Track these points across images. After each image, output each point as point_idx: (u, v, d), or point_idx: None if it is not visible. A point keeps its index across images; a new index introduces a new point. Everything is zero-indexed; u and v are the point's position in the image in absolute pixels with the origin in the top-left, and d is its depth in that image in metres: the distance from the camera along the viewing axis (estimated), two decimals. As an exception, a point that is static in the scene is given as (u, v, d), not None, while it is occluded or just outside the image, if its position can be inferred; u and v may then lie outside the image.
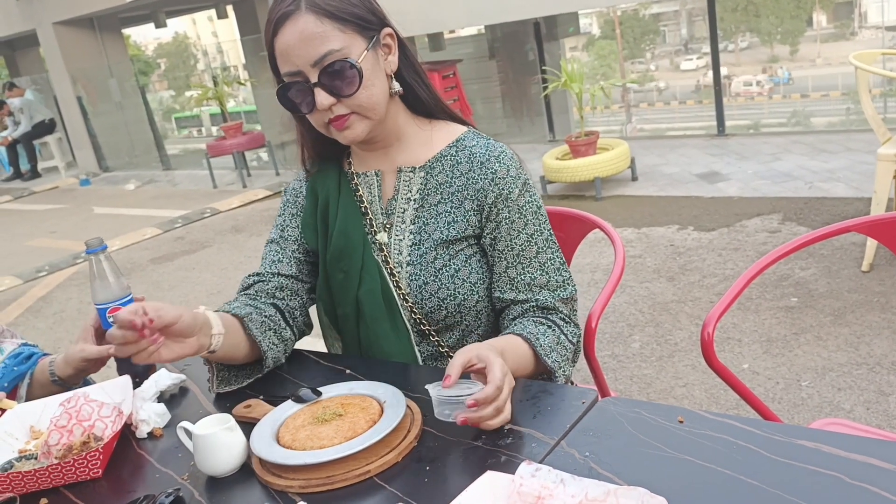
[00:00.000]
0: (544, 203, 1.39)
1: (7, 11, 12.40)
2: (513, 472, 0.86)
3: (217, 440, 1.02)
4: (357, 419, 1.04)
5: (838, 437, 0.92)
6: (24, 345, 1.48)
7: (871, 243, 3.53)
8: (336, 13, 1.20)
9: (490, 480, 0.87)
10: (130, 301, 1.36)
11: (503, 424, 1.03)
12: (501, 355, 1.09)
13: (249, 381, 1.32)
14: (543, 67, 7.35)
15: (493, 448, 1.00)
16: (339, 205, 1.40)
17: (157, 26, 13.49)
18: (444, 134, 1.38)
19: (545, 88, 6.12)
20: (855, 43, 22.42)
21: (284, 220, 1.47)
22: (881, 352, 2.86)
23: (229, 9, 13.82)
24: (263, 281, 1.42)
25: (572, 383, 1.41)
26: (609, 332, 3.41)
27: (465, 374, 1.06)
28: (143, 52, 29.34)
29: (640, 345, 3.27)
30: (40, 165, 12.79)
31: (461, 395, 1.01)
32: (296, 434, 1.04)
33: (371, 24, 1.25)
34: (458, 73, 7.82)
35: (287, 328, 1.39)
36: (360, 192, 1.39)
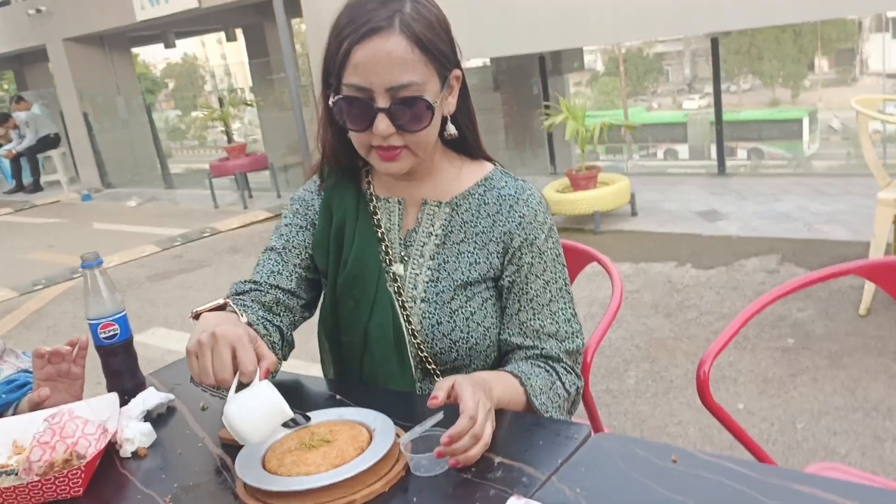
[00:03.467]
0: None
1: (18, 26, 12.51)
2: (501, 507, 0.84)
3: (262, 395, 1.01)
4: (345, 447, 1.03)
5: (833, 483, 0.91)
6: (24, 371, 1.44)
7: (869, 287, 3.52)
8: (427, 44, 1.16)
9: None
10: (123, 318, 1.35)
11: (482, 451, 1.00)
12: (486, 385, 1.08)
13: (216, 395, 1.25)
14: (546, 102, 7.40)
15: (482, 481, 0.98)
16: (357, 229, 1.35)
17: (167, 46, 13.63)
18: (473, 171, 1.35)
19: (545, 122, 6.16)
20: (856, 89, 22.63)
21: (290, 231, 1.41)
22: (877, 396, 2.84)
23: (238, 32, 13.96)
24: (260, 291, 1.36)
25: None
26: (605, 367, 3.39)
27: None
28: (151, 72, 29.55)
29: (636, 380, 3.25)
30: (43, 179, 12.81)
31: (430, 433, 1.00)
32: (282, 459, 1.02)
33: (449, 64, 1.22)
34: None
35: (282, 356, 1.35)
36: (379, 218, 1.35)
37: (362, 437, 1.05)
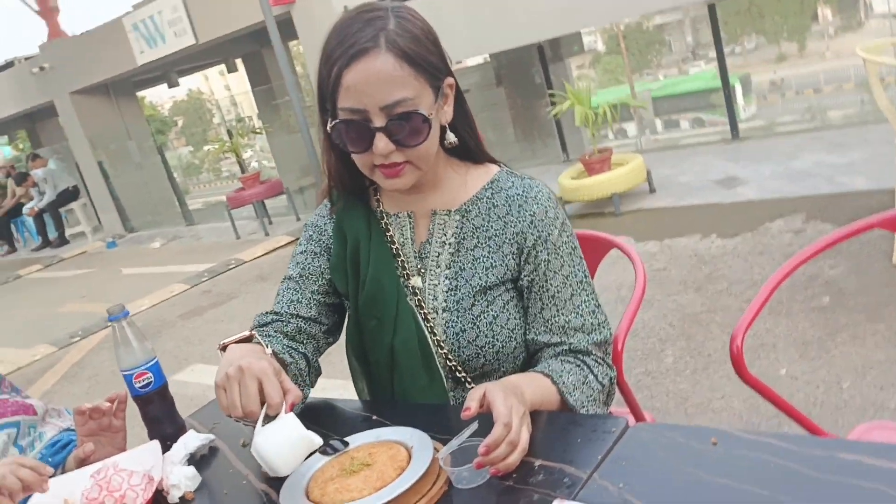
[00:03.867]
0: None
1: (24, 86, 12.75)
2: (544, 512, 0.84)
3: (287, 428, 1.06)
4: (385, 468, 1.03)
5: (880, 448, 0.90)
6: (67, 431, 1.47)
7: (900, 235, 3.46)
8: (415, 58, 1.16)
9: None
10: (156, 365, 1.37)
11: (521, 456, 1.00)
12: (518, 389, 1.08)
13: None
14: (550, 91, 7.38)
15: (524, 487, 0.98)
16: (371, 248, 1.36)
17: (170, 86, 13.78)
18: (479, 175, 1.35)
19: (552, 111, 6.14)
20: (862, 34, 22.25)
21: (306, 259, 1.42)
22: (922, 345, 2.79)
23: (238, 62, 14.09)
24: (282, 321, 1.38)
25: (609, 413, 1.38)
26: (640, 349, 3.37)
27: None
28: (159, 112, 29.92)
29: (673, 359, 3.22)
30: (67, 232, 13.04)
31: (468, 444, 1.00)
32: (325, 488, 1.03)
33: (440, 73, 1.22)
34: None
35: (308, 383, 1.37)
36: (392, 234, 1.36)
37: (401, 457, 1.05)
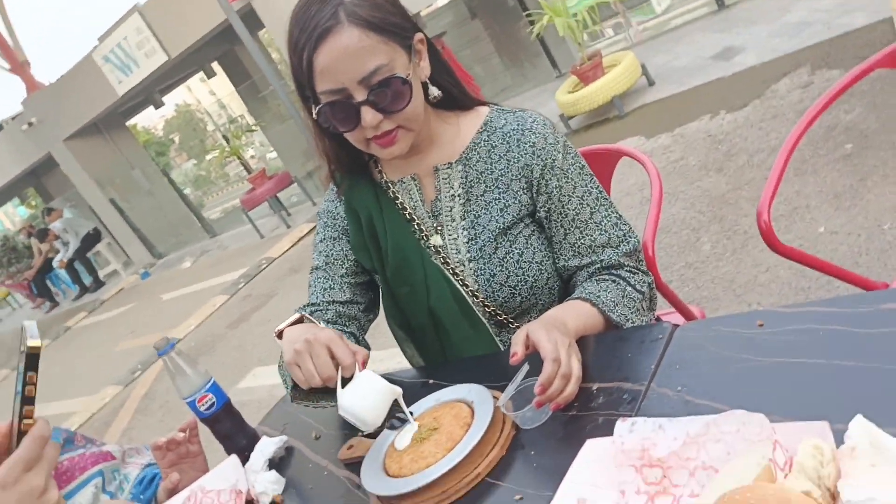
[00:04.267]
0: (571, 139, 1.36)
1: (19, 145, 12.86)
2: (612, 434, 0.86)
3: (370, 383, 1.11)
4: (452, 428, 1.06)
5: (922, 289, 0.89)
6: (149, 466, 1.52)
7: (909, 62, 3.37)
8: (379, 24, 1.15)
9: (592, 449, 0.88)
10: (214, 385, 1.41)
11: (577, 386, 1.02)
12: (559, 321, 1.09)
13: (315, 405, 1.34)
14: (526, 11, 7.22)
15: (587, 413, 1.00)
16: (385, 218, 1.38)
17: (156, 107, 13.79)
18: (471, 121, 1.35)
19: (533, 30, 6.02)
20: None
21: (327, 246, 1.44)
22: (955, 168, 2.74)
23: (215, 66, 14.00)
24: (320, 310, 1.41)
25: (657, 319, 1.39)
26: (676, 244, 3.36)
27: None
28: (154, 135, 29.96)
29: (711, 245, 3.21)
30: (101, 273, 13.27)
31: (524, 385, 1.03)
32: (401, 461, 1.06)
33: (407, 32, 1.21)
34: (446, 45, 7.75)
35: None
36: (401, 200, 1.37)
37: (465, 414, 1.08)
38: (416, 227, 1.36)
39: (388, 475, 1.07)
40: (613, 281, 1.26)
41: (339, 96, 1.18)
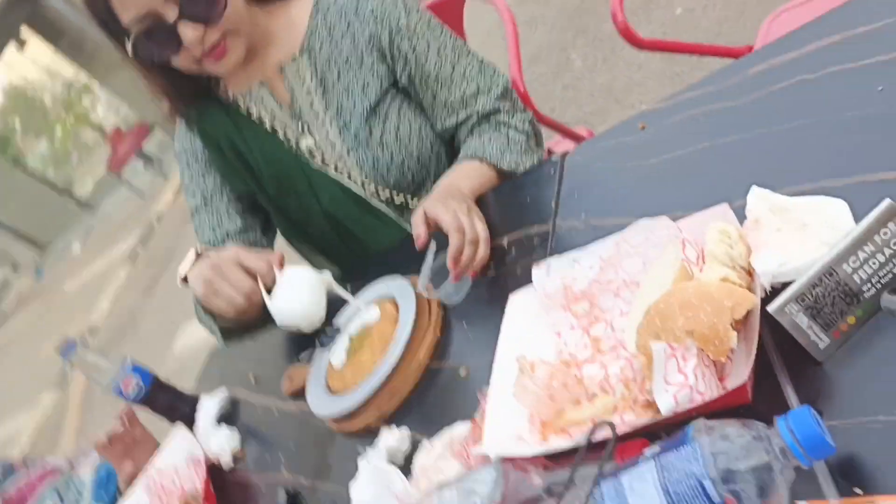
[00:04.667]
0: None
1: None
2: (531, 283, 0.85)
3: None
4: (382, 328, 1.04)
5: (780, 45, 0.89)
6: (102, 464, 1.45)
7: None
8: None
9: (516, 304, 0.87)
10: (133, 367, 1.34)
11: (488, 246, 1.00)
12: (451, 188, 1.06)
13: (251, 335, 1.30)
14: None
15: (505, 269, 0.99)
16: (246, 136, 1.29)
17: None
18: (300, 7, 1.25)
19: None
20: None
21: (198, 183, 1.36)
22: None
23: (25, 32, 12.73)
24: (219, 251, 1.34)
25: (549, 152, 1.38)
26: (548, 70, 3.34)
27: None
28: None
29: (581, 60, 3.20)
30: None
31: (438, 263, 1.00)
32: (343, 378, 1.04)
33: None
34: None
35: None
36: (256, 112, 1.28)
37: (390, 311, 1.06)
38: (281, 135, 1.28)
39: (334, 393, 1.05)
40: (495, 129, 1.23)
41: (149, 22, 1.07)
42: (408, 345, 0.99)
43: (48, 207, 11.96)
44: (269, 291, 1.07)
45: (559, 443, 0.69)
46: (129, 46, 1.10)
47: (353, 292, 1.25)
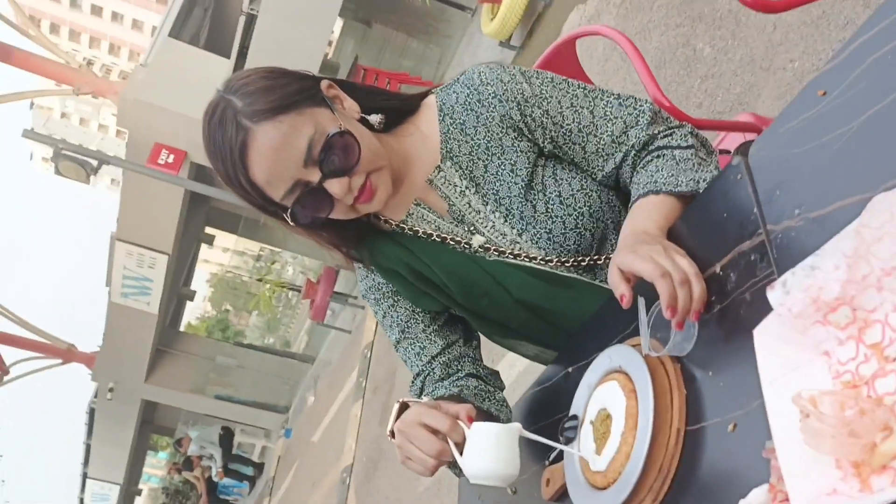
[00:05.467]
0: (523, 55, 1.24)
1: (117, 415, 13.21)
2: (770, 310, 0.74)
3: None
4: (622, 406, 0.95)
5: None
6: None
7: None
8: (280, 104, 1.08)
9: (764, 340, 0.76)
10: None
11: (700, 281, 0.90)
12: (638, 232, 0.99)
13: None
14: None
15: (731, 299, 0.88)
16: (420, 256, 1.28)
17: (191, 299, 14.09)
18: (428, 118, 1.26)
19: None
20: None
21: (391, 317, 1.37)
22: None
23: (207, 229, 14.17)
24: (429, 374, 1.33)
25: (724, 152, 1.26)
26: (679, 70, 3.18)
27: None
28: (209, 318, 30.72)
29: (709, 46, 3.02)
30: (255, 457, 13.62)
31: (655, 318, 0.92)
32: (600, 469, 0.96)
33: (312, 89, 1.14)
34: (365, 65, 7.67)
35: (496, 386, 1.33)
36: (422, 230, 1.29)
37: (623, 384, 0.97)
38: (452, 243, 1.27)
39: (598, 488, 0.97)
40: (658, 156, 1.14)
41: (298, 191, 1.12)
42: (656, 414, 0.89)
43: (277, 371, 12.95)
44: (459, 447, 1.03)
45: (884, 483, 0.57)
46: (288, 217, 1.15)
47: (572, 371, 1.19)
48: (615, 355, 1.01)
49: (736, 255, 0.89)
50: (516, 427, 1.02)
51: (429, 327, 1.35)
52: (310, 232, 1.25)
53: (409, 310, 1.35)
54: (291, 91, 1.11)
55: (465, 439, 1.03)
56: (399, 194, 1.27)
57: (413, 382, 1.35)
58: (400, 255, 1.30)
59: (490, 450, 1.00)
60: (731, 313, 0.87)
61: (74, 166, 6.99)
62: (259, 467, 13.30)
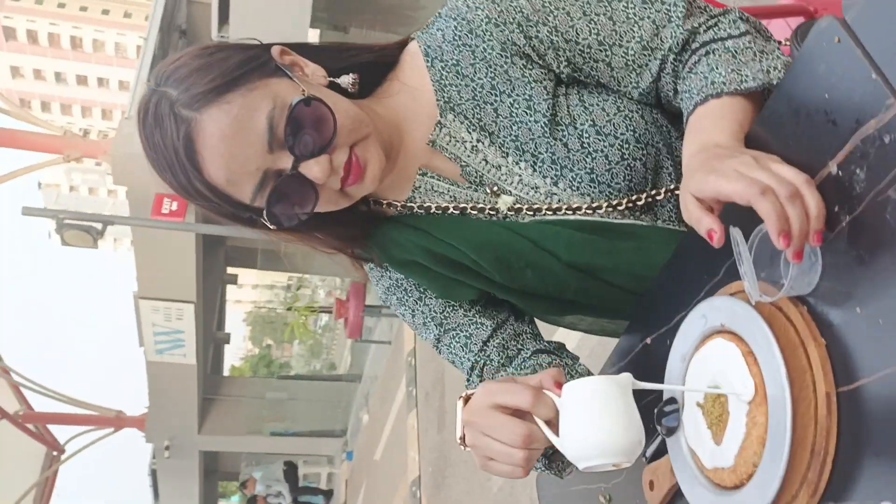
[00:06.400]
0: None
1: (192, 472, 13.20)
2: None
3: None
4: (741, 374, 0.71)
5: None
6: None
7: None
8: (225, 80, 0.88)
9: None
10: None
11: (812, 189, 0.66)
12: (711, 144, 0.77)
13: None
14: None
15: (861, 205, 0.64)
16: (441, 237, 1.04)
17: (227, 342, 14.04)
18: (413, 68, 1.03)
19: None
20: None
21: (421, 314, 1.12)
22: None
23: (229, 269, 14.10)
24: (484, 362, 1.09)
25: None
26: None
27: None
28: (250, 356, 30.85)
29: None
30: (322, 485, 13.57)
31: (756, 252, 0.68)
32: (720, 474, 0.72)
33: (260, 58, 0.92)
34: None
35: (569, 356, 1.10)
36: (434, 204, 1.05)
37: (737, 347, 0.73)
38: (475, 211, 1.03)
39: (726, 488, 0.73)
40: (706, 53, 0.90)
41: (270, 184, 0.89)
42: (791, 378, 0.65)
43: (326, 397, 12.86)
44: (551, 425, 0.77)
45: None
46: (265, 219, 0.92)
47: (651, 342, 0.95)
48: (711, 312, 0.77)
49: (859, 143, 0.64)
50: (626, 378, 0.75)
51: (470, 311, 1.10)
52: (300, 236, 1.02)
53: (440, 302, 1.11)
54: (234, 64, 0.89)
55: (557, 413, 0.77)
56: (398, 168, 1.03)
57: (469, 379, 1.10)
58: (415, 241, 1.05)
59: (598, 414, 0.73)
60: (868, 221, 0.63)
61: (79, 233, 6.88)
62: (328, 494, 13.22)
